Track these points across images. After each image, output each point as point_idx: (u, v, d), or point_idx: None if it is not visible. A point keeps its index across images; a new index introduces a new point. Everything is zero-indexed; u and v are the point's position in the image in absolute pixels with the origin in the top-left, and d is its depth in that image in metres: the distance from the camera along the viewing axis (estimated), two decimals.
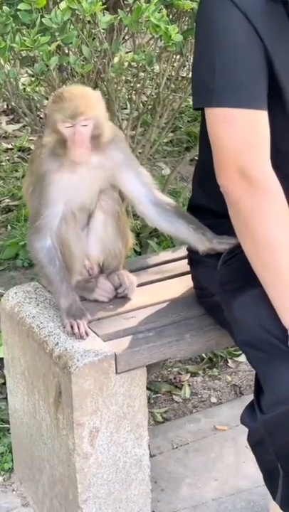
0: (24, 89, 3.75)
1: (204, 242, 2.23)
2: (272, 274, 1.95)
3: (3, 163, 4.35)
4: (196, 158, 4.10)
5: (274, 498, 2.08)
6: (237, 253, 2.10)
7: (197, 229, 2.26)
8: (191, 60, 3.14)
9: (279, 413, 1.93)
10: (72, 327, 2.22)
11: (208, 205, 2.24)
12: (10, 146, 4.52)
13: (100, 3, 2.67)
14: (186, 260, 2.45)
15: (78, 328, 2.21)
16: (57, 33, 2.70)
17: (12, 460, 2.64)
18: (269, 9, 1.94)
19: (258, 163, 1.94)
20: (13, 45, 2.68)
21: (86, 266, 2.38)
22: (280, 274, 1.94)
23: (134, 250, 3.37)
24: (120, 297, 2.38)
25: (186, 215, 2.31)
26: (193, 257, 2.33)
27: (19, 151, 4.42)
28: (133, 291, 2.39)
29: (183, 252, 2.58)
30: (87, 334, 2.21)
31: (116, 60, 2.80)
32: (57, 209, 2.24)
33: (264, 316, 1.96)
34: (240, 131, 1.94)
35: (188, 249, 2.38)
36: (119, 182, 2.32)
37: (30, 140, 4.38)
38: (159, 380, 3.03)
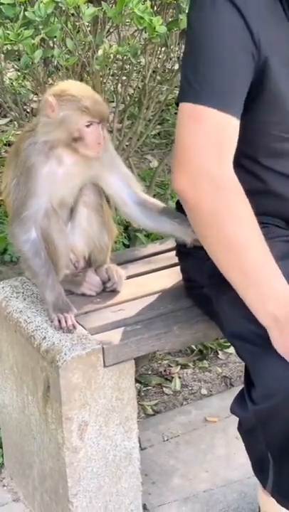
0: (10, 83, 3.74)
1: (190, 233, 2.22)
2: (242, 276, 1.91)
3: None
4: None
5: (264, 487, 2.08)
6: None
7: (181, 222, 2.25)
8: (177, 52, 3.14)
9: (270, 405, 1.92)
10: (59, 321, 2.21)
11: None
12: None
13: None
14: (174, 252, 2.44)
15: (66, 321, 2.21)
16: (41, 27, 2.69)
17: (2, 455, 2.64)
18: (266, 5, 1.92)
19: (219, 163, 1.89)
20: None
21: (72, 260, 2.38)
22: (247, 274, 1.90)
23: (123, 243, 3.37)
24: (108, 291, 2.37)
25: (169, 211, 2.30)
26: (182, 249, 2.32)
27: (6, 145, 4.40)
28: (122, 285, 2.38)
29: (171, 244, 2.57)
30: (74, 327, 2.21)
31: (100, 52, 2.79)
32: (42, 201, 2.23)
33: None
34: (205, 129, 1.89)
35: (176, 241, 2.37)
36: (103, 183, 2.32)
37: (17, 135, 4.36)
38: (149, 372, 3.03)
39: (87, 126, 2.17)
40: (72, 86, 2.24)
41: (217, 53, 1.90)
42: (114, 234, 2.43)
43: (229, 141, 1.91)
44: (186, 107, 1.93)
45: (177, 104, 2.01)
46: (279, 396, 1.89)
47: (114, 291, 2.37)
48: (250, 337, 1.95)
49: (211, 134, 1.89)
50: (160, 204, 2.34)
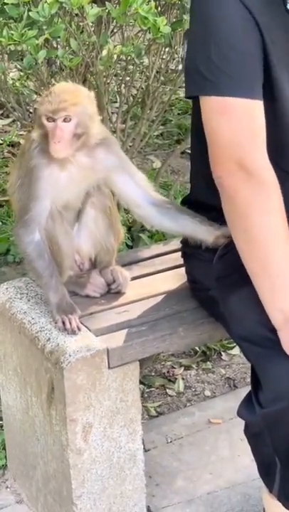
0: (13, 83, 3.73)
1: (212, 231, 2.21)
2: (262, 268, 1.93)
3: None
4: (188, 151, 4.13)
5: (270, 490, 2.07)
6: (233, 247, 2.09)
7: (202, 221, 2.24)
8: (180, 53, 3.14)
9: (279, 408, 1.92)
10: (63, 322, 2.20)
11: (203, 198, 2.22)
12: None
13: None
14: (178, 253, 2.44)
15: (70, 323, 2.20)
16: (44, 27, 2.68)
17: (5, 457, 2.63)
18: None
19: (255, 155, 1.92)
20: (1, 39, 2.66)
21: (77, 261, 2.37)
22: (269, 268, 1.92)
23: (126, 244, 3.36)
24: (113, 293, 2.36)
25: (187, 211, 2.29)
26: (187, 250, 2.31)
27: (9, 146, 4.40)
28: (126, 287, 2.37)
29: (175, 245, 2.57)
30: (79, 329, 2.20)
31: (104, 52, 2.78)
32: (45, 204, 2.22)
33: (261, 310, 1.94)
34: (237, 122, 1.92)
35: (182, 242, 2.37)
36: (113, 186, 2.31)
37: (20, 135, 4.35)
38: (153, 374, 3.02)
39: (49, 120, 2.15)
40: (57, 85, 2.26)
41: (228, 41, 1.91)
42: (121, 236, 2.43)
43: (259, 127, 1.93)
44: (211, 101, 1.94)
45: (187, 98, 2.01)
46: (287, 399, 1.88)
47: (118, 293, 2.36)
48: (259, 339, 1.95)
49: (241, 125, 1.92)
50: (175, 204, 2.34)
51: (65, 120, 2.14)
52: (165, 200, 2.33)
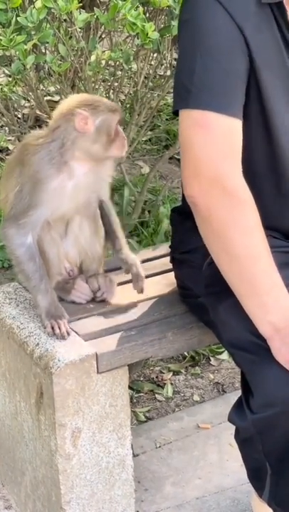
0: (1, 89, 3.72)
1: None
2: (247, 286, 1.91)
3: None
4: (176, 156, 4.13)
5: (260, 495, 2.07)
6: None
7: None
8: (168, 58, 3.14)
9: (269, 414, 1.91)
10: (52, 328, 2.20)
11: None
12: None
13: (76, 1, 2.66)
14: (166, 258, 2.44)
15: (59, 328, 2.20)
16: (33, 32, 2.68)
17: None
18: (257, 11, 1.90)
19: (233, 173, 1.88)
20: None
21: (66, 268, 2.37)
22: (254, 285, 1.90)
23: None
24: (99, 301, 2.36)
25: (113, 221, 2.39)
26: (177, 256, 2.31)
27: None
28: (112, 295, 2.37)
29: (163, 250, 2.57)
30: (68, 334, 2.20)
31: (93, 58, 2.79)
32: (44, 212, 2.22)
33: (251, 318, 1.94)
34: (216, 137, 1.87)
35: (170, 248, 2.37)
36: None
37: (9, 140, 4.35)
38: (141, 379, 3.02)
39: (116, 124, 2.22)
40: (81, 97, 2.26)
41: (213, 55, 1.89)
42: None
43: (238, 146, 1.90)
44: (190, 114, 1.90)
45: (174, 113, 2.00)
46: (278, 405, 1.88)
47: (104, 301, 2.36)
48: (249, 346, 1.95)
49: (220, 141, 1.87)
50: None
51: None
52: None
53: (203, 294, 2.15)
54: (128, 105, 3.35)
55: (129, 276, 2.45)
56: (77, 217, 2.32)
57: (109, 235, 2.38)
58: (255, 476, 2.08)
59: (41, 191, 2.19)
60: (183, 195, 2.31)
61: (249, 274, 1.89)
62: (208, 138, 1.88)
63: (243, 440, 2.07)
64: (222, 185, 1.87)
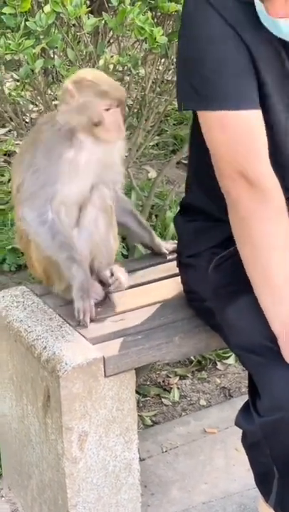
0: (9, 93, 3.73)
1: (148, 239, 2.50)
2: (262, 277, 1.94)
3: None
4: (183, 161, 4.14)
5: (267, 500, 2.07)
6: (229, 257, 2.10)
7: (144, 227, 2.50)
8: (176, 63, 3.15)
9: (277, 417, 1.92)
10: (79, 312, 2.24)
11: (200, 206, 2.23)
12: None
13: (85, 6, 2.66)
14: (173, 263, 2.44)
15: (84, 315, 2.24)
16: (41, 37, 2.69)
17: (0, 466, 2.62)
18: (243, 11, 1.92)
19: (255, 166, 1.94)
20: None
21: None
22: (268, 277, 1.94)
23: (121, 254, 3.36)
24: (114, 291, 2.37)
25: (136, 214, 2.50)
26: (183, 260, 2.32)
27: (5, 155, 4.40)
28: (127, 284, 2.38)
29: (171, 254, 2.57)
30: (92, 319, 2.25)
31: (101, 62, 2.79)
32: (60, 189, 2.24)
33: (259, 320, 1.95)
34: (235, 135, 1.93)
35: (177, 252, 2.37)
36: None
37: (17, 144, 4.36)
38: (148, 383, 3.02)
39: (106, 110, 2.21)
40: (89, 73, 2.32)
41: (220, 57, 1.92)
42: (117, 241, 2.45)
43: (259, 138, 1.95)
44: (209, 116, 1.96)
45: (180, 110, 2.04)
46: (286, 408, 1.88)
47: (119, 290, 2.37)
48: (257, 349, 1.95)
49: (238, 137, 1.93)
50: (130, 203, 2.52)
51: (118, 106, 2.23)
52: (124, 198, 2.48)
53: (209, 297, 2.15)
54: (136, 110, 3.35)
55: (135, 281, 2.46)
56: (92, 210, 2.31)
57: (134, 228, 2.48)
58: (262, 481, 2.08)
59: (56, 164, 2.23)
60: (186, 192, 2.32)
61: (265, 265, 1.94)
62: (228, 136, 1.94)
63: (250, 444, 2.06)
64: (247, 178, 1.93)
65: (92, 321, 2.25)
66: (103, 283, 2.38)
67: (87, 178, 2.29)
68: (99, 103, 2.21)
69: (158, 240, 2.58)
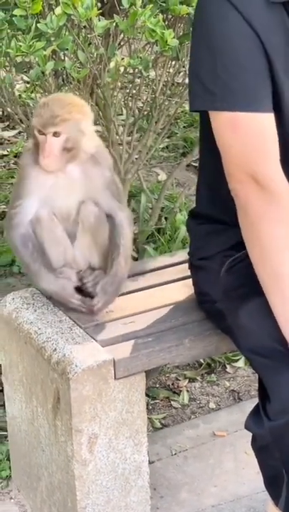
0: (19, 95, 3.74)
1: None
2: (273, 279, 1.94)
3: None
4: (193, 163, 4.14)
5: (276, 504, 2.06)
6: (241, 260, 2.09)
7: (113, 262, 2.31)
8: (187, 66, 3.14)
9: (286, 421, 1.91)
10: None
11: (210, 211, 2.23)
12: (5, 153, 4.51)
13: (96, 8, 2.66)
14: (184, 265, 2.44)
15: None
16: (52, 39, 2.69)
17: (10, 467, 2.62)
18: (269, 11, 1.91)
19: (266, 168, 1.93)
20: (9, 50, 2.67)
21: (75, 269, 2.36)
22: (278, 280, 1.93)
23: (132, 256, 3.36)
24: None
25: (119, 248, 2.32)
26: (195, 262, 2.31)
27: (15, 157, 4.41)
28: (99, 289, 2.32)
29: (181, 256, 2.57)
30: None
31: (112, 65, 2.79)
32: (30, 203, 2.26)
33: (270, 323, 1.94)
34: (246, 137, 1.92)
35: (189, 254, 2.37)
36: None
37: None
38: (157, 386, 3.02)
39: (39, 133, 2.19)
40: (54, 95, 2.34)
41: (234, 56, 1.91)
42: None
43: (271, 141, 1.94)
44: (221, 116, 1.94)
45: (192, 111, 2.04)
46: None
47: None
48: (268, 352, 1.94)
49: (251, 139, 1.92)
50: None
51: (55, 135, 2.18)
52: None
53: (220, 299, 2.15)
54: (146, 112, 3.36)
55: (145, 283, 2.46)
56: (86, 221, 2.30)
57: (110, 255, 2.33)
58: (272, 484, 2.07)
59: (24, 179, 2.26)
60: (197, 198, 2.32)
61: (274, 267, 1.93)
62: (240, 138, 1.93)
63: (259, 447, 2.06)
64: (256, 180, 1.92)
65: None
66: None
67: (62, 198, 2.28)
68: (33, 123, 2.19)
69: (101, 289, 2.32)
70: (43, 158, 2.19)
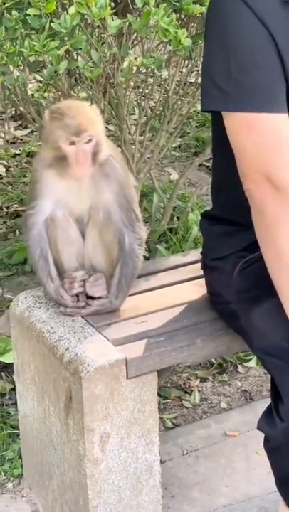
0: (32, 95, 3.75)
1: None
2: (287, 280, 1.93)
3: (12, 169, 4.36)
4: (205, 163, 4.13)
5: (288, 505, 2.06)
6: (254, 261, 2.09)
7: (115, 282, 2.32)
8: (200, 65, 3.14)
9: None
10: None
11: (223, 212, 2.23)
12: (18, 152, 4.52)
13: (110, 8, 2.66)
14: (197, 265, 2.44)
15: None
16: (66, 38, 2.69)
17: (22, 466, 2.63)
18: (282, 10, 1.91)
19: (281, 169, 1.91)
20: (23, 50, 2.68)
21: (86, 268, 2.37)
22: None
23: (143, 256, 3.36)
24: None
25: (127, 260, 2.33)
26: (208, 262, 2.31)
27: (27, 156, 4.42)
28: (94, 289, 2.34)
29: (194, 256, 2.57)
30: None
31: (125, 64, 2.79)
32: (43, 205, 2.28)
33: (283, 324, 1.94)
34: (261, 137, 1.91)
35: (202, 254, 2.37)
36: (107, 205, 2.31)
37: (39, 145, 4.37)
38: (169, 385, 3.02)
39: (70, 145, 2.17)
40: (63, 105, 2.27)
41: (248, 56, 1.90)
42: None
43: (285, 140, 1.93)
44: (235, 117, 1.93)
45: (204, 111, 2.03)
46: None
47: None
48: (281, 353, 1.94)
49: (266, 140, 1.91)
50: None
51: (86, 142, 2.16)
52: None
53: (234, 300, 2.15)
54: (158, 112, 3.36)
55: (157, 282, 2.46)
56: (96, 223, 2.30)
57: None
58: (284, 485, 2.07)
59: (37, 182, 2.29)
60: (213, 200, 2.31)
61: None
62: (254, 139, 1.92)
63: (272, 448, 2.05)
64: (272, 182, 1.91)
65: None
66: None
67: (74, 201, 2.28)
68: (59, 135, 2.16)
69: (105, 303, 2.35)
70: (78, 168, 2.16)
